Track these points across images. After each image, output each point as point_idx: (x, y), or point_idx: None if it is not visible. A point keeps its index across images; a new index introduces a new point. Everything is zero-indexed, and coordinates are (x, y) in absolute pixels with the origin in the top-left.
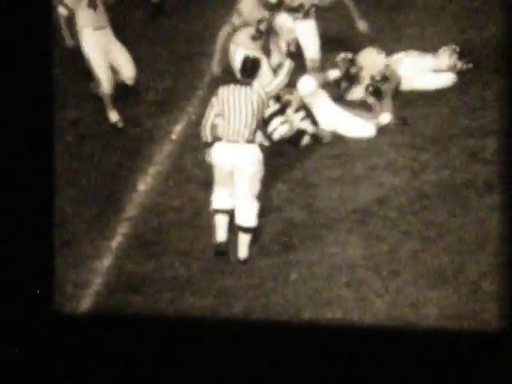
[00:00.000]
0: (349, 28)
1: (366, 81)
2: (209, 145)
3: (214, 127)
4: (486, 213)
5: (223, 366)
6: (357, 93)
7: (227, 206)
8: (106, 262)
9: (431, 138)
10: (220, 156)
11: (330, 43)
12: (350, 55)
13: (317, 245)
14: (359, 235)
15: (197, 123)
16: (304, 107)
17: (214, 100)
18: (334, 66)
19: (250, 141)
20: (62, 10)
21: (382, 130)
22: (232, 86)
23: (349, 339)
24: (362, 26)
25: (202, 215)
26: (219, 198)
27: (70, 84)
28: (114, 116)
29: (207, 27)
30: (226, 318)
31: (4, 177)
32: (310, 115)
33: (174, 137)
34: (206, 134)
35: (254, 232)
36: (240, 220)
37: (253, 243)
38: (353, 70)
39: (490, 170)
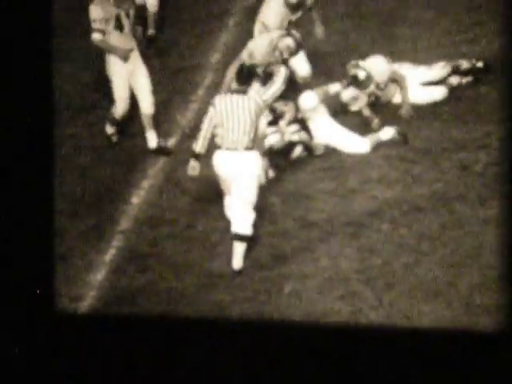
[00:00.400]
0: (340, 42)
1: (372, 88)
2: (198, 157)
3: (212, 138)
4: (478, 226)
5: (221, 367)
6: (360, 101)
7: None
8: (100, 275)
9: (424, 152)
10: (220, 164)
11: (321, 57)
12: (360, 62)
13: (310, 258)
14: (352, 248)
15: (191, 136)
16: (298, 121)
17: (211, 110)
18: (328, 79)
19: (250, 148)
20: (96, 36)
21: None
22: (229, 95)
23: (346, 340)
24: (319, 32)
25: (196, 228)
26: (229, 206)
27: (65, 98)
28: (110, 129)
29: (200, 40)
30: (224, 319)
31: (4, 180)
32: (304, 128)
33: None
34: (203, 145)
35: (249, 242)
36: (236, 228)
37: (246, 256)
38: (362, 77)
39: (483, 183)
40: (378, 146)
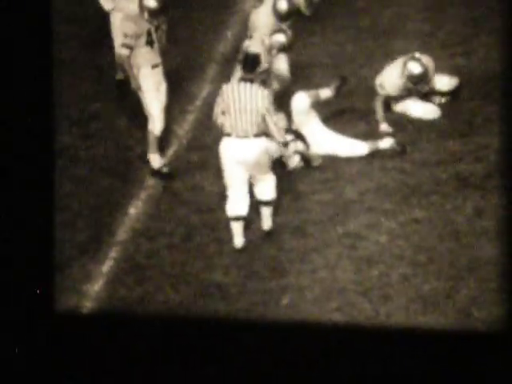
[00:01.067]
0: (337, 54)
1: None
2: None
3: (222, 123)
4: (475, 238)
5: (222, 366)
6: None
7: (241, 212)
8: (97, 286)
9: (421, 163)
10: (229, 151)
11: (318, 69)
12: (417, 54)
13: (307, 269)
14: (350, 259)
15: (188, 147)
16: (291, 130)
17: (219, 99)
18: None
19: (259, 135)
20: (124, 52)
21: (372, 155)
22: (236, 84)
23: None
24: None
25: (193, 239)
26: (233, 204)
27: (63, 109)
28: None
29: (198, 51)
30: (226, 319)
31: (4, 188)
32: (298, 137)
33: (165, 161)
34: (220, 127)
35: (274, 204)
36: (260, 195)
37: (243, 267)
38: (417, 72)
39: (479, 195)
40: (376, 154)
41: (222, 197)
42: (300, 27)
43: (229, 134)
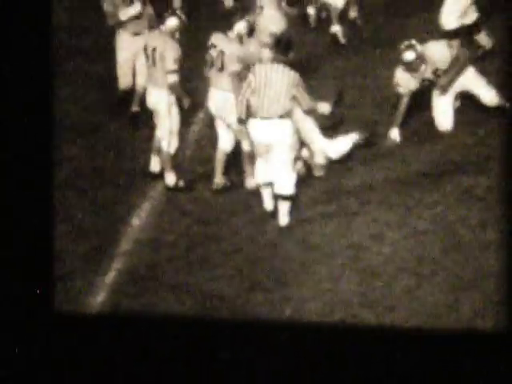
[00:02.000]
0: (340, 65)
1: (427, 74)
2: (242, 121)
3: (248, 104)
4: (480, 250)
5: (226, 376)
6: (410, 84)
7: (269, 179)
8: (100, 297)
9: (424, 175)
10: (255, 133)
11: (320, 80)
12: (413, 41)
13: (311, 280)
14: (353, 271)
15: (191, 158)
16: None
17: (250, 76)
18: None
19: (283, 116)
20: (175, 78)
21: (375, 166)
22: (269, 64)
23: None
24: None
25: (196, 250)
26: (261, 172)
27: (65, 120)
28: (171, 178)
29: (201, 62)
30: (229, 330)
31: (5, 200)
32: (302, 144)
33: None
34: (241, 110)
35: (293, 200)
36: (278, 189)
37: (246, 278)
38: (410, 59)
39: (484, 206)
40: (377, 168)
41: (225, 208)
42: (303, 38)
43: (253, 116)
